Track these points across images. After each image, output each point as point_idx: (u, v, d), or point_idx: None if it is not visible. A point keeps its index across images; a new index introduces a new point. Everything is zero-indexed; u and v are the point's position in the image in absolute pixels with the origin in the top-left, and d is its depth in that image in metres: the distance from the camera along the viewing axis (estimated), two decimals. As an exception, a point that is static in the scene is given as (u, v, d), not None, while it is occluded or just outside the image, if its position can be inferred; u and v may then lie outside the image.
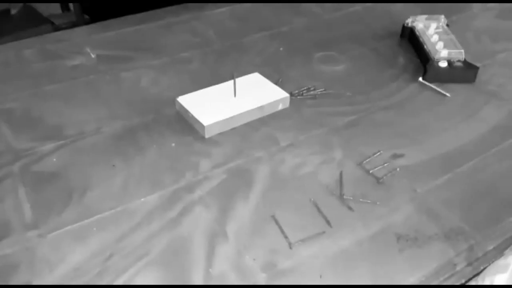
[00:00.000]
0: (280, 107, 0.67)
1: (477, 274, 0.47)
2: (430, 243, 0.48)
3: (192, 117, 0.63)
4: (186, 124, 0.64)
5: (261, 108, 0.65)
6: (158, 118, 0.65)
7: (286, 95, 0.67)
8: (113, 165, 0.57)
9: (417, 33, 0.82)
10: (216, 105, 0.64)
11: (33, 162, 0.57)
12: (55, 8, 1.98)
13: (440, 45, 0.77)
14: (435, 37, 0.79)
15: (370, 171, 0.57)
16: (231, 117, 0.63)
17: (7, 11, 1.75)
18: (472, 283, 0.47)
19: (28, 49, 0.82)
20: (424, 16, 0.86)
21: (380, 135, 0.63)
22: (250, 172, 0.56)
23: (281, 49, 0.84)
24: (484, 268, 0.47)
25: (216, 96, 0.66)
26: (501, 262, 0.45)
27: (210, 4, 1.00)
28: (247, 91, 0.67)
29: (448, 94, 0.72)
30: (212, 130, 0.62)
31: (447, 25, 0.84)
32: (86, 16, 1.81)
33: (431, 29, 0.81)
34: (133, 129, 0.63)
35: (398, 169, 0.57)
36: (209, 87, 0.68)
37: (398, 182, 0.55)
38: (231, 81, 0.67)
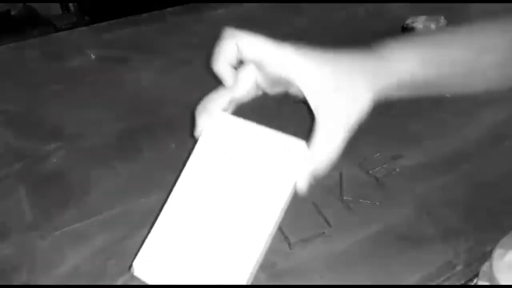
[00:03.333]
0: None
1: (477, 275, 0.47)
2: (430, 244, 0.48)
3: None
4: (187, 125, 0.64)
5: (282, 210, 0.37)
6: (158, 119, 0.65)
7: (301, 143, 0.36)
8: (113, 166, 0.57)
9: (416, 33, 0.82)
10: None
11: (34, 163, 0.57)
12: (55, 9, 1.99)
13: (439, 45, 0.77)
14: (434, 38, 0.79)
15: (370, 172, 0.57)
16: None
17: (8, 11, 1.75)
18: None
19: (28, 50, 0.83)
20: (424, 17, 0.86)
21: (379, 136, 0.63)
22: (250, 173, 0.56)
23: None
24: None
25: (189, 233, 0.36)
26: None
27: (210, 5, 1.00)
28: (233, 185, 0.36)
29: (448, 95, 0.72)
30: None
31: (447, 25, 0.84)
32: (86, 17, 1.82)
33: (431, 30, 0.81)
34: (133, 130, 0.63)
35: (397, 169, 0.57)
36: (161, 215, 0.38)
37: (398, 182, 0.55)
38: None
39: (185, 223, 0.36)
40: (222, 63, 0.38)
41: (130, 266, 0.35)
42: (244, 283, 0.34)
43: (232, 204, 0.35)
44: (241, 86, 0.39)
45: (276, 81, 0.37)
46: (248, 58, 0.37)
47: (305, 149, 0.36)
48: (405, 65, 0.40)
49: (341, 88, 0.35)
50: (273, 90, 0.40)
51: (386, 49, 0.41)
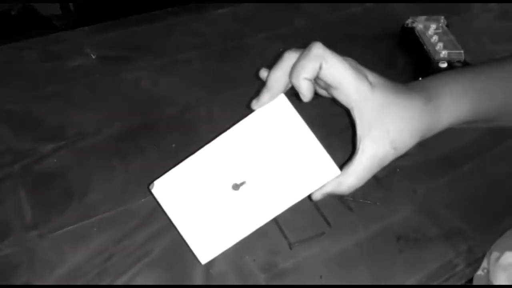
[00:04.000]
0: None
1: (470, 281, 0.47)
2: (430, 244, 0.48)
3: (177, 229, 0.41)
4: (187, 125, 0.64)
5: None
6: (158, 119, 0.65)
7: (336, 170, 0.40)
8: (113, 166, 0.57)
9: (416, 34, 0.82)
10: (212, 211, 0.40)
11: (34, 163, 0.57)
12: (55, 8, 1.99)
13: (439, 46, 0.77)
14: (434, 38, 0.79)
15: (370, 172, 0.57)
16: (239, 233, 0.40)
17: (8, 11, 1.75)
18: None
19: (28, 50, 0.83)
20: (424, 17, 0.86)
21: (380, 136, 0.63)
22: (250, 173, 0.56)
23: (281, 50, 0.84)
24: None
25: (209, 183, 0.40)
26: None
27: (210, 5, 1.00)
28: (263, 164, 0.39)
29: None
30: (213, 256, 0.40)
31: (447, 26, 0.84)
32: (86, 17, 1.82)
33: (431, 30, 0.82)
34: (133, 130, 0.63)
35: (398, 169, 0.57)
36: (194, 155, 0.42)
37: (398, 182, 0.55)
38: (231, 135, 0.41)
39: (208, 173, 0.40)
40: (302, 78, 0.38)
41: (150, 184, 0.41)
42: (224, 249, 0.39)
43: (250, 182, 0.39)
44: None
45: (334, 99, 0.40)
46: (326, 80, 0.38)
47: (335, 177, 0.39)
48: (456, 114, 0.41)
49: (390, 133, 0.37)
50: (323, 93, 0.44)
51: (437, 93, 0.41)
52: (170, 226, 0.49)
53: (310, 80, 0.37)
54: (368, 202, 0.52)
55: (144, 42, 0.86)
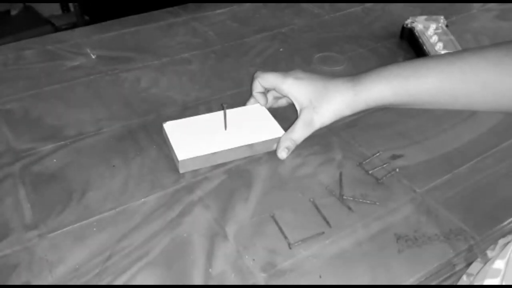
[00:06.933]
0: (275, 147, 0.59)
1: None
2: (430, 244, 0.48)
3: (171, 146, 0.57)
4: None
5: (250, 146, 0.58)
6: (158, 118, 0.65)
7: (282, 131, 0.60)
8: (113, 166, 0.57)
9: (416, 33, 0.82)
10: (200, 137, 0.58)
11: (33, 163, 0.57)
12: (55, 8, 1.99)
13: (439, 45, 0.77)
14: (434, 38, 0.79)
15: (370, 172, 0.57)
16: (213, 154, 0.56)
17: (8, 11, 1.75)
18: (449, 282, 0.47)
19: (28, 50, 0.83)
20: (424, 17, 0.86)
21: (379, 136, 0.63)
22: (249, 173, 0.57)
23: (281, 49, 0.84)
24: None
25: (205, 127, 0.60)
26: (489, 267, 0.45)
27: (210, 5, 1.00)
28: (241, 125, 0.60)
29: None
30: (188, 165, 0.56)
31: (447, 25, 0.84)
32: (86, 17, 1.82)
33: (431, 30, 0.82)
34: (133, 129, 0.63)
35: (397, 169, 0.57)
36: (202, 115, 0.62)
37: (398, 182, 0.55)
38: (229, 111, 0.61)
39: (205, 123, 0.61)
40: (255, 92, 0.63)
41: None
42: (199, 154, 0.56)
43: (233, 129, 0.61)
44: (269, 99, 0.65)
45: (284, 96, 0.64)
46: (267, 87, 0.62)
47: (285, 134, 0.59)
48: (377, 95, 0.54)
49: (314, 104, 0.57)
50: (283, 102, 0.67)
51: (364, 77, 0.56)
52: (170, 226, 0.49)
53: (260, 91, 0.62)
54: (368, 202, 0.52)
55: (144, 42, 0.86)
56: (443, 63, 0.52)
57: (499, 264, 0.44)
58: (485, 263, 0.47)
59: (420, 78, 0.52)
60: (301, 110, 0.58)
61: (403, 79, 0.53)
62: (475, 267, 0.48)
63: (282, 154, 0.58)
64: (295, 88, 0.58)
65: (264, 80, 0.60)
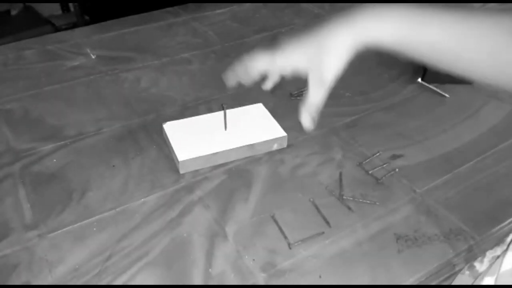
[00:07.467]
0: (275, 147, 0.60)
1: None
2: (430, 244, 0.48)
3: (171, 147, 0.58)
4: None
5: (251, 146, 0.58)
6: (157, 118, 0.65)
7: (284, 134, 0.60)
8: (113, 166, 0.57)
9: (416, 33, 0.82)
10: (201, 138, 0.58)
11: (33, 163, 0.57)
12: (55, 8, 1.99)
13: (439, 45, 0.77)
14: (434, 38, 0.79)
15: (370, 172, 0.57)
16: (213, 154, 0.57)
17: (8, 12, 1.75)
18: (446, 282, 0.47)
19: (28, 50, 0.83)
20: (424, 17, 0.86)
21: (379, 136, 0.63)
22: (249, 173, 0.57)
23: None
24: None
25: (205, 127, 0.60)
26: (479, 283, 0.44)
27: (210, 5, 1.00)
28: (241, 125, 0.61)
29: (447, 95, 0.72)
30: (189, 166, 0.56)
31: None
32: (86, 17, 1.82)
33: (431, 30, 0.81)
34: (133, 129, 0.63)
35: (397, 169, 0.57)
36: (202, 115, 0.63)
37: (398, 182, 0.55)
38: (229, 111, 0.61)
39: (204, 124, 0.61)
40: (261, 84, 0.58)
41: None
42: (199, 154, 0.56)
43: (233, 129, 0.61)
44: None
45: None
46: (261, 69, 0.56)
47: (283, 134, 0.60)
48: (376, 34, 0.51)
49: (320, 55, 0.52)
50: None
51: (364, 16, 0.53)
52: (170, 226, 0.49)
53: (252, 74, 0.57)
54: (368, 202, 0.52)
55: (144, 42, 0.86)
56: (456, 18, 0.47)
57: (488, 281, 0.44)
58: (473, 277, 0.47)
59: (424, 27, 0.49)
60: (307, 74, 0.54)
61: (408, 25, 0.50)
62: (459, 279, 0.48)
63: (307, 123, 0.54)
64: (287, 59, 0.54)
65: (254, 69, 0.56)
